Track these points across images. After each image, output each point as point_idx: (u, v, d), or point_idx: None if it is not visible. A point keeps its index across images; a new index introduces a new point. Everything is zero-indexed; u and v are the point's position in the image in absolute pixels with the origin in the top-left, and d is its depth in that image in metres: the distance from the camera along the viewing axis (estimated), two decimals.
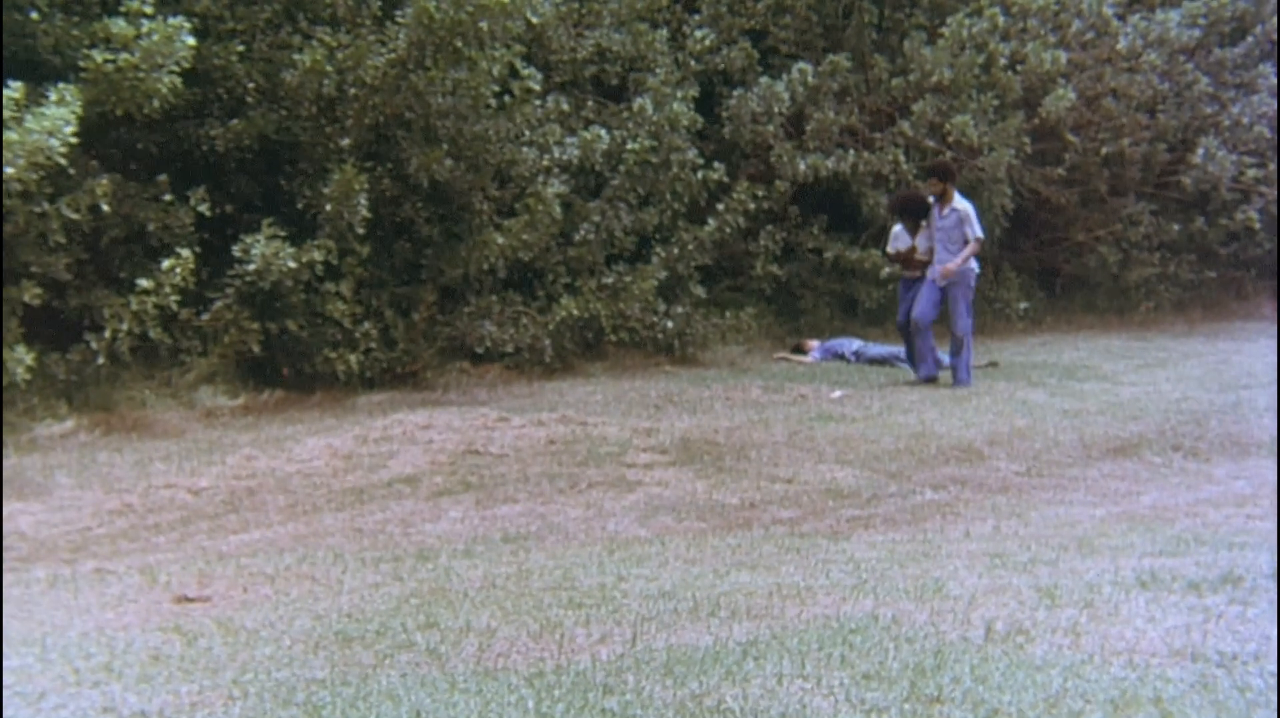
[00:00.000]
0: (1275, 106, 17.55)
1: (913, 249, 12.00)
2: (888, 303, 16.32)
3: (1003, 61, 16.63)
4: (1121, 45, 17.01)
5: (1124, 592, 5.13)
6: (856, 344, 14.36)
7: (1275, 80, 17.67)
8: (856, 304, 16.30)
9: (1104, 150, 17.42)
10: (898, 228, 12.29)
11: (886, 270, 16.20)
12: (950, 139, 16.30)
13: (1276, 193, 17.82)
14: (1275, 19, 17.83)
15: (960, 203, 11.64)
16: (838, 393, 11.60)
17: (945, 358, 12.04)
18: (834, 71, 16.19)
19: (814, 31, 17.04)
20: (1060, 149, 17.39)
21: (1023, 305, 17.60)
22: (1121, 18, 17.29)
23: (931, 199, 11.81)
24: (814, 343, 14.78)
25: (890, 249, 12.42)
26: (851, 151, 16.29)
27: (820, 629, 4.76)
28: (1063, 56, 16.44)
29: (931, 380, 11.79)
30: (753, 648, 4.54)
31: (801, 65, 15.96)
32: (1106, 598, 5.03)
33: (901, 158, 16.45)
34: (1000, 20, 16.47)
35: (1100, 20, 17.05)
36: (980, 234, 11.69)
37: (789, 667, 4.30)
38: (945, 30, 16.30)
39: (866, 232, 16.89)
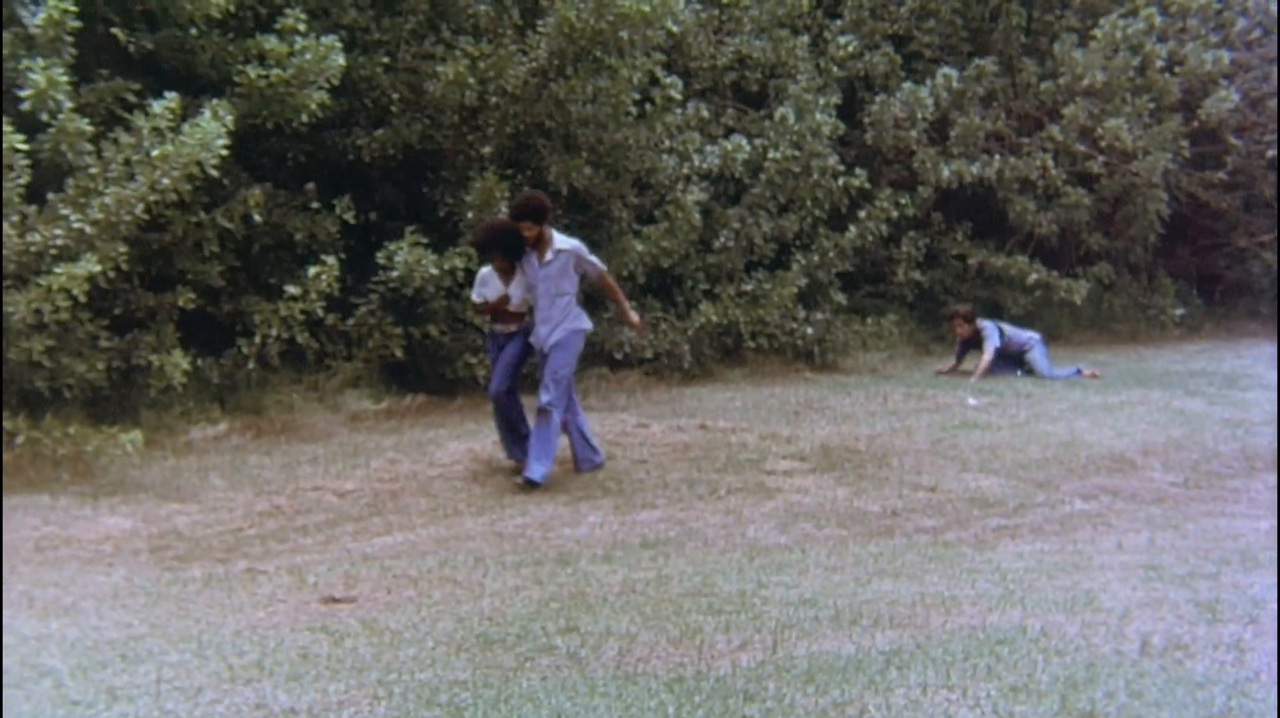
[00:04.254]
0: None
1: (503, 299, 8.91)
2: (1035, 309, 15.97)
3: (1159, 63, 16.15)
4: None
5: None
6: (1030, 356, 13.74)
7: None
8: (1002, 311, 15.96)
9: (1269, 153, 16.78)
10: (485, 270, 9.09)
11: (1034, 276, 15.85)
12: (1102, 144, 15.88)
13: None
14: None
15: (565, 243, 8.78)
16: (973, 401, 11.34)
17: (582, 440, 9.09)
18: (980, 76, 15.90)
19: (959, 35, 16.79)
20: (1221, 152, 16.81)
21: (1179, 312, 17.05)
22: None
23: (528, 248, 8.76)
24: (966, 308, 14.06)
25: (476, 297, 9.18)
26: (997, 157, 15.99)
27: (966, 640, 4.65)
28: (1225, 56, 15.89)
29: (596, 467, 9.02)
30: (896, 657, 4.44)
31: (946, 70, 15.71)
32: (1273, 614, 4.81)
33: (1050, 163, 16.09)
34: (1157, 20, 15.99)
35: (1267, 18, 16.44)
36: (604, 269, 9.08)
37: (934, 677, 4.20)
38: (1098, 32, 15.89)
39: (1013, 238, 16.56)
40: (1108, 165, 16.29)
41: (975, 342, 13.64)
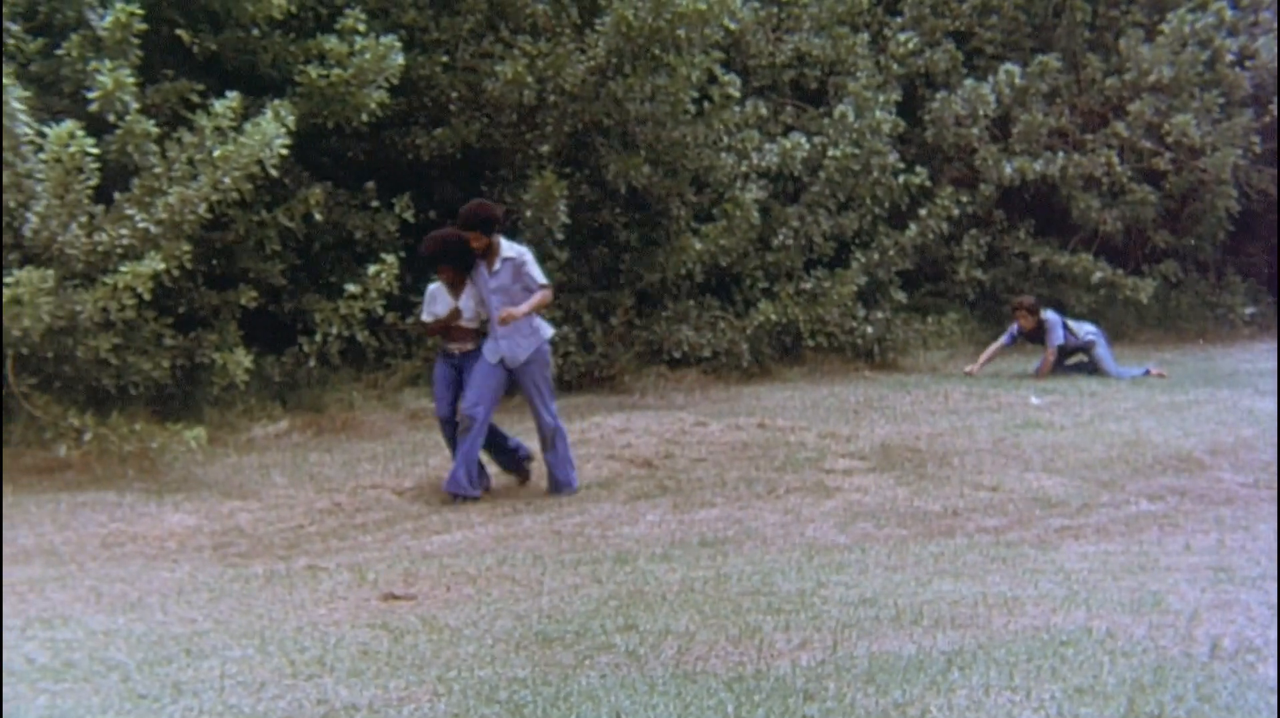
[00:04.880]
0: None
1: (454, 313, 8.43)
2: (1100, 307, 15.75)
3: (1229, 57, 15.88)
4: None
5: None
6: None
7: None
8: (1065, 309, 15.78)
9: None
10: (434, 287, 8.59)
11: (1099, 275, 15.64)
12: (1170, 140, 15.65)
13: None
14: None
15: (512, 249, 8.34)
16: (1036, 400, 11.20)
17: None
18: (1043, 72, 15.73)
19: (1022, 32, 16.61)
20: None
21: (1248, 310, 16.77)
22: None
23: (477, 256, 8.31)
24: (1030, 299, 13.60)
25: (426, 315, 8.70)
26: (1061, 154, 15.79)
27: (1029, 641, 4.59)
28: None
29: (469, 498, 8.21)
30: (958, 658, 4.39)
31: (1008, 67, 15.55)
32: None
33: (1115, 159, 15.88)
34: (1228, 14, 15.72)
35: None
36: (546, 280, 8.43)
37: (996, 678, 4.14)
38: (1165, 27, 15.66)
39: (1077, 236, 16.35)
40: (1175, 162, 16.05)
41: (1036, 335, 13.34)
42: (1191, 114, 15.47)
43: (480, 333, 8.47)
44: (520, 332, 8.25)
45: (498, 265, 8.24)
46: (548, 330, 8.52)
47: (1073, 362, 13.30)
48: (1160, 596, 5.20)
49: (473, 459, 8.24)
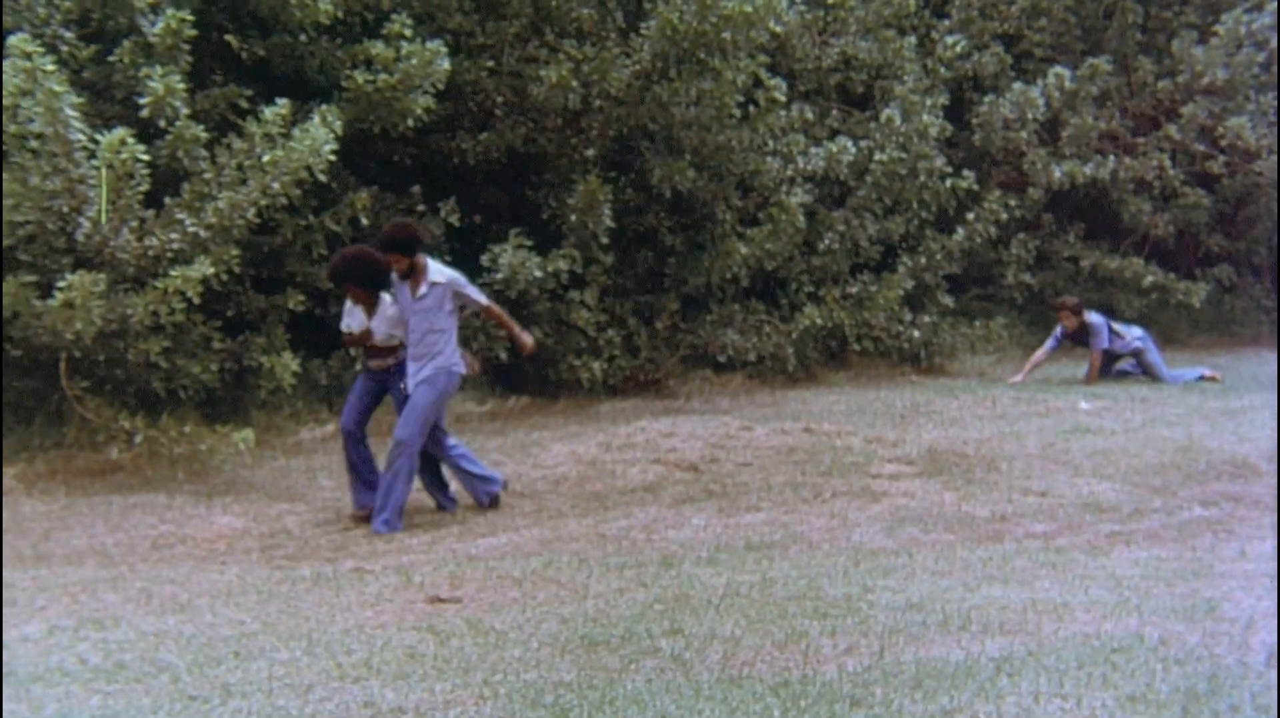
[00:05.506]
0: None
1: (366, 333, 8.09)
2: (1150, 312, 15.59)
3: None
4: None
5: None
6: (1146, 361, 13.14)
7: None
8: (1115, 314, 15.64)
9: None
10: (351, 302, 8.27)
11: (1150, 279, 15.47)
12: (1223, 143, 15.46)
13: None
14: None
15: (442, 275, 7.88)
16: (1086, 405, 11.07)
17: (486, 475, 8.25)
18: (1093, 75, 15.59)
19: (1072, 34, 16.48)
20: None
21: None
22: None
23: (395, 277, 7.90)
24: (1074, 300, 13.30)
25: (343, 328, 8.35)
26: (1112, 157, 15.64)
27: (1079, 647, 4.52)
28: None
29: (495, 495, 8.20)
30: (1007, 664, 4.34)
31: (1058, 69, 15.44)
32: None
33: (1167, 163, 15.71)
34: None
35: None
36: (487, 300, 8.24)
37: (1046, 685, 4.09)
38: (1220, 28, 15.47)
39: (1127, 239, 16.19)
40: (1229, 165, 15.87)
41: (1080, 337, 13.12)
42: (1246, 116, 15.29)
43: (400, 349, 8.07)
44: (435, 357, 7.86)
45: (423, 289, 7.84)
46: (460, 366, 8.00)
47: (1121, 366, 13.13)
48: (1215, 603, 5.12)
49: (470, 470, 8.10)
